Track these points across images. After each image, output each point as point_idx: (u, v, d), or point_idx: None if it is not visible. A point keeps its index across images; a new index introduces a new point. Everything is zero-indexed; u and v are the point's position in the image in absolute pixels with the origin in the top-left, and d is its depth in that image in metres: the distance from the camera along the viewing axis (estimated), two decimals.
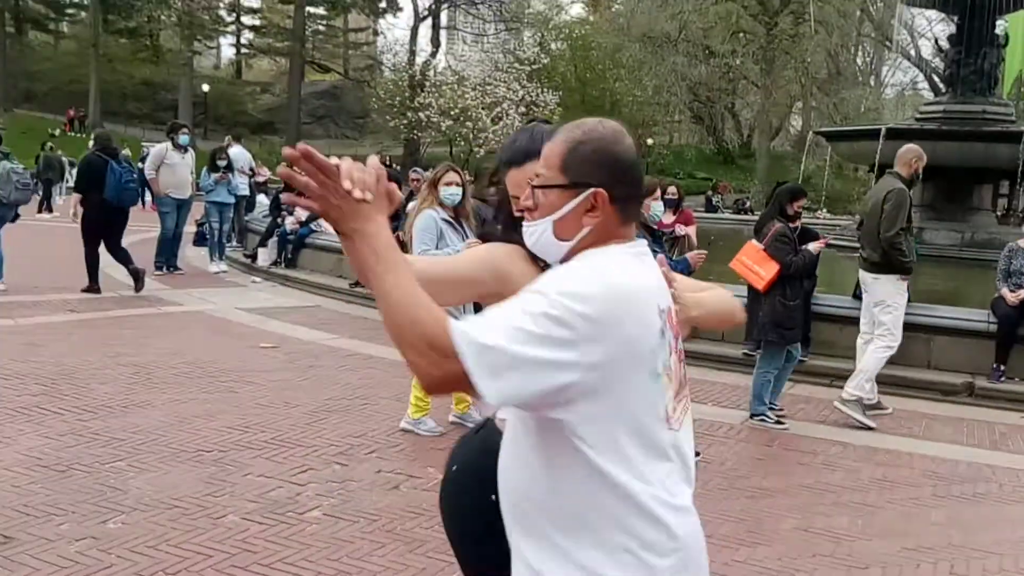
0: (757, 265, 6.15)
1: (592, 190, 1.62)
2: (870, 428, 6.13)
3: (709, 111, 53.81)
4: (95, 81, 47.03)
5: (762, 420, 6.13)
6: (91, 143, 10.91)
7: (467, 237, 5.34)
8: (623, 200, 1.65)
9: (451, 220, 5.44)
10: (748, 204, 37.34)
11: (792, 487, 4.90)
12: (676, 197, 8.73)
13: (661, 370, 1.57)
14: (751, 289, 6.39)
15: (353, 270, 1.55)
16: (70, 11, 57.91)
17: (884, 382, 7.00)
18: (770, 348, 6.21)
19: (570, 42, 49.85)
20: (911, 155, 6.47)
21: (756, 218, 10.43)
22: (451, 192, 5.45)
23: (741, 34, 45.20)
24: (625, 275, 1.56)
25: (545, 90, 41.48)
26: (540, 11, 54.62)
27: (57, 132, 41.11)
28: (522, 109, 40.15)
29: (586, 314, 1.42)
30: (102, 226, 10.07)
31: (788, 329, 6.16)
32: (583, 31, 50.85)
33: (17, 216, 10.12)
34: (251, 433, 5.31)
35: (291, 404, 6.01)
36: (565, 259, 1.66)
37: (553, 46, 50.00)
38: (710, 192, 39.96)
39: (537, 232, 1.68)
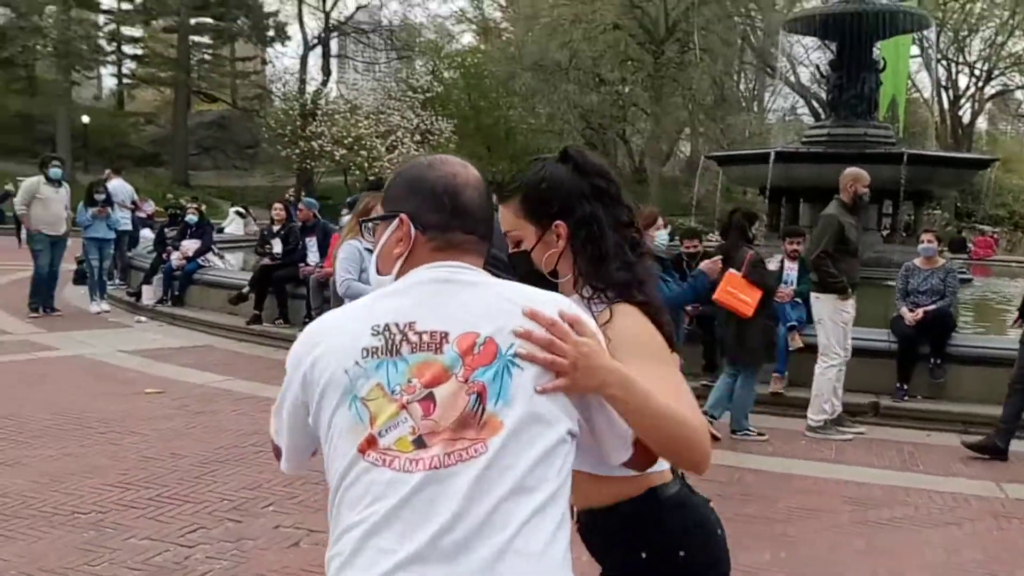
0: (742, 293, 6.18)
1: (397, 217, 1.55)
2: (849, 439, 6.48)
3: (602, 138, 54.58)
4: None
5: (745, 435, 6.38)
6: None
7: None
8: (435, 228, 1.54)
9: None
10: None
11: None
12: None
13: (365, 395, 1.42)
14: (728, 316, 6.35)
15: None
16: None
17: (792, 404, 7.03)
18: (755, 367, 6.49)
19: (463, 71, 49.90)
20: (847, 179, 6.65)
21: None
22: None
23: (630, 62, 46.09)
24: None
25: (440, 118, 41.36)
26: (431, 40, 54.61)
27: None
28: (417, 137, 39.91)
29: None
30: None
31: (770, 348, 6.67)
32: (475, 59, 51.01)
33: None
34: (134, 490, 4.87)
35: (179, 455, 5.58)
36: None
37: (446, 74, 49.94)
38: None
39: (370, 271, 1.64)
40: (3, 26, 45.85)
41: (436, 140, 40.76)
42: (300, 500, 4.81)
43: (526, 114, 46.95)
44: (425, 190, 1.55)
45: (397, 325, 1.45)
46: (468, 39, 59.35)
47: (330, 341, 1.47)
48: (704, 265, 5.38)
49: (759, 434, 6.47)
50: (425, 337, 1.44)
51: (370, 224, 1.64)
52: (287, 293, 10.47)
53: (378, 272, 1.60)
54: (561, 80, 45.23)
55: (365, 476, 1.38)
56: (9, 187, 15.17)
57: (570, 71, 45.11)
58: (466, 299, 1.48)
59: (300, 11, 54.10)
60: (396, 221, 1.56)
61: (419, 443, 1.38)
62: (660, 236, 5.16)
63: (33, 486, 4.86)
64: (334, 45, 57.63)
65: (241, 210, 25.02)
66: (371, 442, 1.39)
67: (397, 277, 1.55)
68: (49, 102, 47.58)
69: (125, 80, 61.13)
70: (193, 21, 51.88)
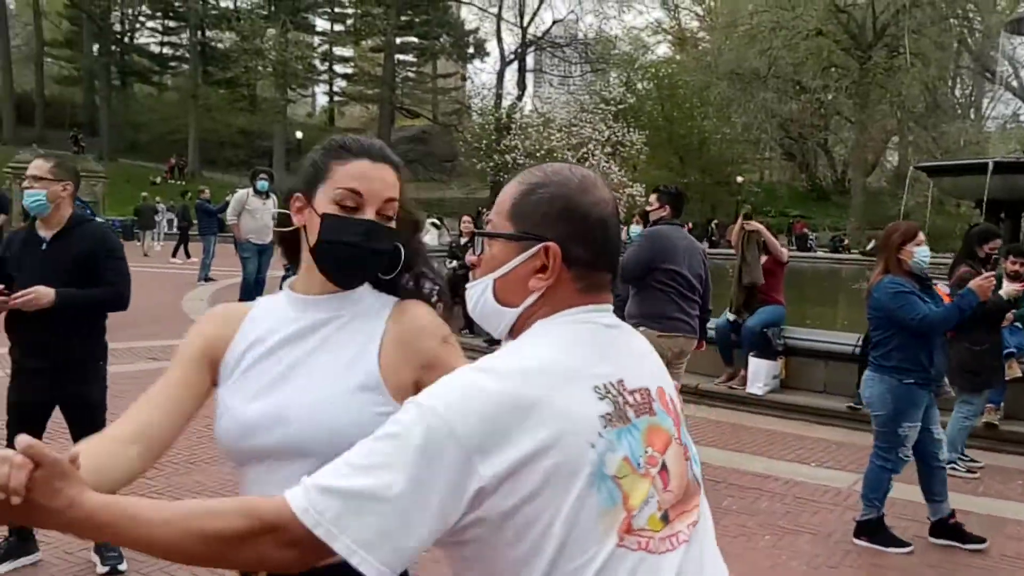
0: None
1: (542, 244, 1.28)
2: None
3: (801, 148, 52.65)
4: (194, 130, 48.80)
5: (953, 468, 5.76)
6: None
7: None
8: (584, 264, 1.29)
9: None
10: (845, 242, 36.13)
11: (912, 564, 4.37)
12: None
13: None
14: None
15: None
16: (172, 64, 60.50)
17: (1008, 439, 6.42)
18: (963, 394, 5.96)
19: (656, 81, 49.51)
20: None
21: (854, 256, 9.90)
22: None
23: (833, 69, 44.16)
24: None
25: (631, 130, 41.19)
26: (626, 52, 54.53)
27: (158, 180, 42.73)
28: (608, 149, 39.92)
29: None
30: None
31: (977, 375, 5.92)
32: (669, 70, 50.50)
33: None
34: None
35: None
36: (512, 334, 1.34)
37: (639, 86, 49.74)
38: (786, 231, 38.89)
39: (476, 295, 1.36)
40: (229, 49, 49.81)
41: (627, 152, 40.59)
42: None
43: (721, 124, 45.97)
44: (576, 217, 1.29)
45: (612, 384, 1.24)
46: (663, 50, 58.87)
47: (556, 404, 1.17)
48: (975, 283, 4.87)
49: (968, 470, 5.91)
50: (637, 397, 1.27)
51: (480, 238, 1.40)
52: None
53: (497, 301, 1.33)
54: (759, 88, 43.95)
55: (619, 565, 1.17)
56: (228, 197, 16.55)
57: (768, 79, 43.76)
58: (633, 348, 1.34)
59: (499, 28, 55.52)
60: (538, 248, 1.28)
61: (665, 519, 1.23)
62: (920, 252, 4.69)
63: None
64: (530, 60, 58.76)
65: (436, 221, 25.84)
66: (628, 526, 1.19)
67: (524, 314, 1.31)
68: (267, 119, 51.26)
69: (336, 98, 65.03)
70: (399, 40, 54.39)
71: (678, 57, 56.34)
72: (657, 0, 56.06)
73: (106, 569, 3.87)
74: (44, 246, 3.75)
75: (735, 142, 46.93)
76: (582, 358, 1.24)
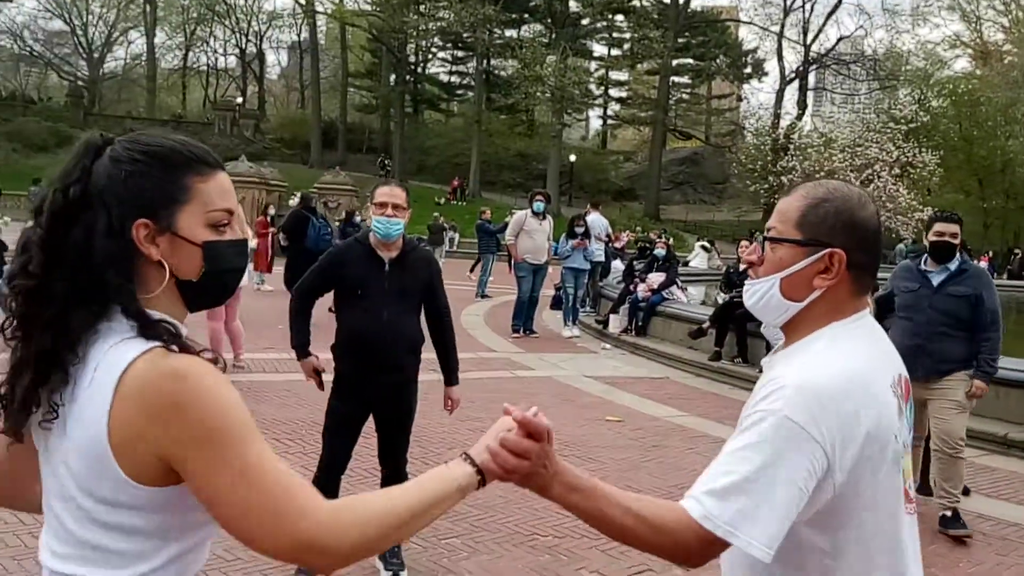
0: None
1: (829, 250, 1.52)
2: None
3: None
4: (476, 154, 51.33)
5: None
6: (296, 201, 12.32)
7: None
8: (859, 268, 1.54)
9: None
10: None
11: None
12: None
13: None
14: None
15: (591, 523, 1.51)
16: (459, 92, 64.27)
17: None
18: None
19: (954, 98, 45.62)
20: None
21: None
22: None
23: None
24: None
25: (923, 150, 38.25)
26: (919, 67, 50.81)
27: (442, 201, 45.34)
28: (896, 170, 37.35)
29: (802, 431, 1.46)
30: (300, 267, 10.46)
31: None
32: (969, 86, 46.38)
33: None
34: None
35: (633, 488, 5.65)
36: (790, 324, 1.59)
37: (934, 103, 46.09)
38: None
39: (762, 290, 1.59)
40: (511, 76, 52.01)
41: (918, 174, 37.76)
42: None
43: None
44: (860, 229, 1.54)
45: (895, 379, 1.55)
46: (962, 64, 54.25)
47: (878, 397, 1.48)
48: None
49: None
50: (903, 386, 1.58)
51: (762, 238, 1.63)
52: (747, 331, 10.26)
53: (784, 295, 1.56)
54: None
55: (908, 527, 1.55)
56: (507, 219, 17.42)
57: None
58: (887, 341, 1.62)
59: (780, 46, 53.80)
60: (824, 253, 1.53)
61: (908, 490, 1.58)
62: None
63: (501, 501, 5.23)
64: (812, 78, 56.28)
65: (706, 244, 25.37)
66: (907, 494, 1.55)
67: (807, 309, 1.56)
68: (543, 143, 52.96)
69: (609, 121, 65.96)
70: (675, 63, 54.13)
71: (979, 72, 51.64)
72: (957, 12, 51.88)
73: (388, 575, 4.05)
74: (386, 268, 4.00)
75: None
76: (879, 360, 1.55)
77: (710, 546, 1.39)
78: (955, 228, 5.19)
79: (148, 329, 1.27)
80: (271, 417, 6.82)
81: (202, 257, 1.34)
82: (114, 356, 1.25)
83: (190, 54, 66.87)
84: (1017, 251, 34.01)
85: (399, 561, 4.08)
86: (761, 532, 1.36)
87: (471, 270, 23.53)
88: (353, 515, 1.25)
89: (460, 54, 61.56)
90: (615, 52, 59.37)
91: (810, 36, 53.15)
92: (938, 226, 5.19)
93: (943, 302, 5.16)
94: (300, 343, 4.17)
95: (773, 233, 1.58)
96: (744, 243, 11.44)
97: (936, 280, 5.21)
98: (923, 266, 5.32)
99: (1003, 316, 5.26)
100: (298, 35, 65.56)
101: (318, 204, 23.16)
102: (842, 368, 1.46)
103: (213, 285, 1.38)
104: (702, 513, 1.38)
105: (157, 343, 1.26)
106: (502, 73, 57.78)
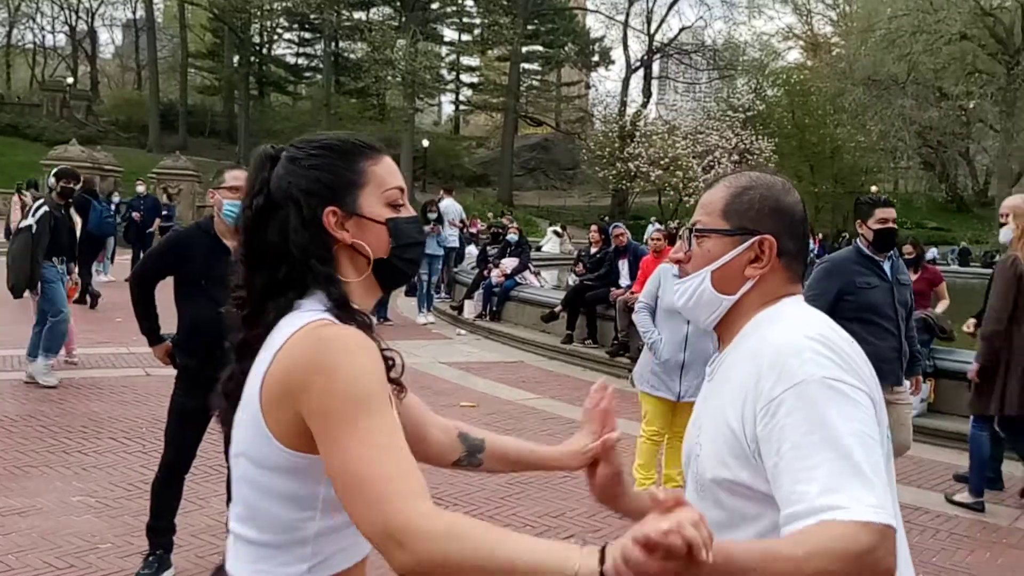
0: None
1: (758, 237, 1.46)
2: None
3: (940, 157, 50.26)
4: None
5: None
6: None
7: None
8: (790, 255, 1.49)
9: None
10: (996, 258, 34.17)
11: None
12: (913, 255, 7.95)
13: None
14: None
15: None
16: (307, 74, 62.63)
17: None
18: None
19: (787, 88, 48.11)
20: None
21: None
22: None
23: (977, 74, 41.95)
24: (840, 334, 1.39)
25: (760, 137, 40.17)
26: (755, 58, 53.27)
27: None
28: (735, 157, 39.06)
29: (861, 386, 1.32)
30: (83, 251, 10.10)
31: None
32: (801, 76, 49.03)
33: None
34: (442, 505, 4.98)
35: (487, 474, 5.66)
36: (724, 323, 1.51)
37: (769, 92, 48.50)
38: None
39: (692, 286, 1.51)
40: (361, 60, 51.20)
41: (755, 159, 39.59)
42: (602, 533, 4.66)
43: (855, 131, 44.30)
44: (787, 214, 1.49)
45: None
46: (794, 55, 57.33)
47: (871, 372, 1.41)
48: None
49: None
50: None
51: (688, 233, 1.54)
52: (597, 314, 10.49)
53: (716, 289, 1.49)
54: (896, 95, 42.22)
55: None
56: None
57: (907, 85, 41.97)
58: None
59: (625, 35, 55.22)
60: (753, 241, 1.47)
61: None
62: None
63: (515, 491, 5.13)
64: (656, 67, 58.11)
65: (558, 229, 25.79)
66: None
67: (741, 303, 1.48)
68: (395, 128, 52.38)
69: (461, 106, 65.97)
70: (525, 50, 54.65)
71: (810, 63, 54.71)
72: (789, 5, 54.64)
73: None
74: (231, 256, 3.76)
75: (870, 151, 45.14)
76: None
77: (885, 540, 1.18)
78: (894, 212, 4.77)
79: (344, 311, 1.34)
80: (107, 415, 6.46)
81: (388, 233, 1.42)
82: (288, 323, 1.32)
83: (14, 31, 62.34)
84: (845, 233, 36.23)
85: None
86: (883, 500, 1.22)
87: None
88: (450, 527, 1.15)
89: (307, 35, 59.94)
90: (466, 37, 59.32)
91: (654, 26, 54.80)
92: (882, 212, 4.67)
93: (902, 294, 4.69)
94: (149, 329, 4.01)
95: (699, 226, 1.51)
96: (594, 227, 11.68)
97: (889, 271, 4.68)
98: (870, 254, 4.67)
99: None
100: (133, 12, 62.25)
101: (158, 191, 22.11)
102: (826, 321, 1.42)
103: (402, 260, 1.45)
104: (860, 511, 1.18)
105: (327, 316, 1.32)
106: (351, 56, 56.75)
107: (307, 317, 1.31)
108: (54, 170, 8.46)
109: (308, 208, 1.37)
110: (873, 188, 45.12)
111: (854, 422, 1.25)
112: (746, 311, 1.47)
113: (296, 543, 1.32)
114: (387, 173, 1.46)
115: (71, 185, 7.92)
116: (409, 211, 1.47)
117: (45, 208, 7.50)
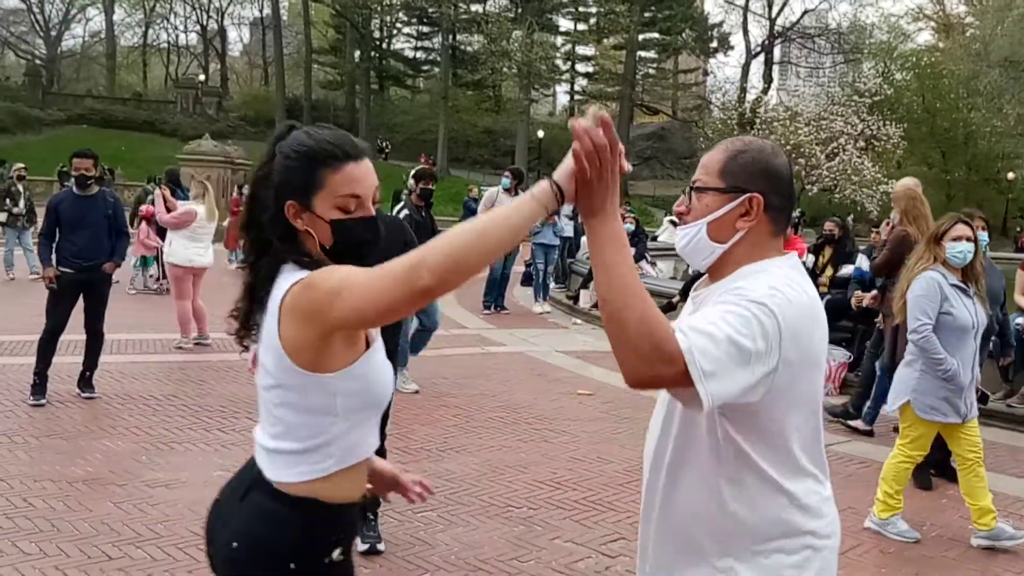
0: None
1: (748, 195, 1.69)
2: None
3: None
4: (443, 130, 51.01)
5: None
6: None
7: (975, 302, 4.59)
8: (776, 210, 1.72)
9: (959, 284, 4.60)
10: None
11: None
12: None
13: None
14: None
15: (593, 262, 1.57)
16: (425, 68, 63.62)
17: None
18: None
19: (917, 71, 45.99)
20: None
21: None
22: (959, 249, 4.55)
23: None
24: (798, 290, 1.63)
25: (887, 123, 38.57)
26: (883, 41, 51.15)
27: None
28: (860, 143, 37.66)
29: (775, 325, 1.54)
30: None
31: None
32: (932, 59, 46.77)
33: None
34: (562, 490, 5.07)
35: (605, 459, 5.71)
36: (715, 265, 1.74)
37: (897, 76, 46.43)
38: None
39: (691, 234, 1.75)
40: (477, 52, 51.69)
41: (882, 146, 38.12)
42: None
43: (991, 116, 42.02)
44: (774, 175, 1.72)
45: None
46: (925, 37, 54.74)
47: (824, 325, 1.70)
48: None
49: None
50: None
51: (689, 189, 1.79)
52: None
53: (710, 238, 1.72)
54: None
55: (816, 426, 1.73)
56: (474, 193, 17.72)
57: None
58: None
59: (745, 20, 54.01)
60: (744, 198, 1.69)
61: None
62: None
63: (474, 474, 5.27)
64: (777, 52, 56.56)
65: (675, 219, 25.43)
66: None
67: (731, 251, 1.71)
68: (511, 119, 52.76)
69: (576, 96, 65.81)
70: (641, 37, 54.04)
71: (942, 45, 52.12)
72: None
73: (365, 547, 4.06)
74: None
75: (1007, 135, 42.68)
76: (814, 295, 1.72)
77: (661, 363, 1.45)
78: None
79: (312, 266, 1.71)
80: (243, 396, 6.79)
81: (331, 231, 1.76)
82: (282, 281, 1.71)
83: (150, 31, 65.65)
84: None
85: (375, 534, 4.10)
86: (717, 389, 1.47)
87: None
88: (439, 241, 1.50)
89: (425, 29, 60.88)
90: (581, 27, 59.01)
91: (775, 9, 53.39)
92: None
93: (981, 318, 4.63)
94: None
95: (699, 184, 1.75)
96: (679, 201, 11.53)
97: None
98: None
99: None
100: (260, 11, 64.61)
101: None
102: (809, 296, 1.66)
103: (343, 252, 1.77)
104: (688, 346, 1.45)
105: (306, 273, 1.70)
106: (468, 48, 57.30)
107: (296, 276, 1.69)
108: (412, 171, 7.92)
109: (276, 198, 1.76)
110: (1010, 175, 42.79)
111: (736, 332, 1.50)
112: (735, 257, 1.71)
113: (324, 444, 1.74)
114: (343, 182, 1.76)
115: (430, 186, 7.46)
116: (364, 212, 1.79)
117: (405, 211, 7.17)
